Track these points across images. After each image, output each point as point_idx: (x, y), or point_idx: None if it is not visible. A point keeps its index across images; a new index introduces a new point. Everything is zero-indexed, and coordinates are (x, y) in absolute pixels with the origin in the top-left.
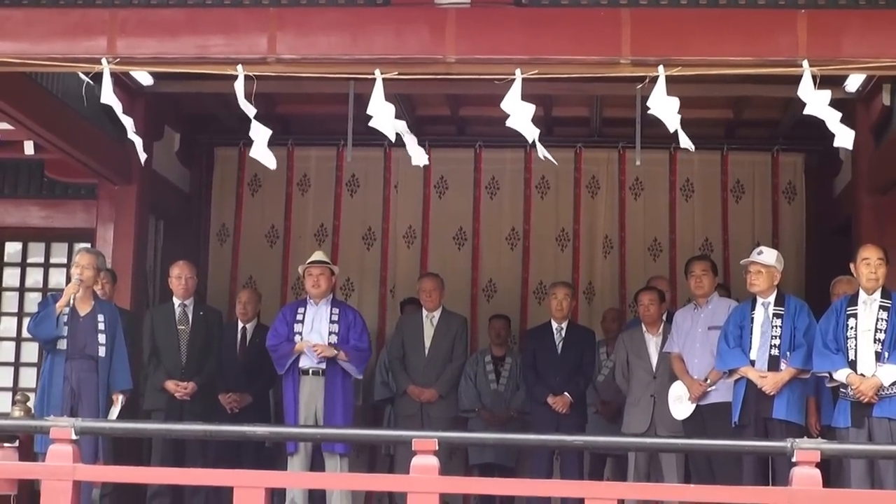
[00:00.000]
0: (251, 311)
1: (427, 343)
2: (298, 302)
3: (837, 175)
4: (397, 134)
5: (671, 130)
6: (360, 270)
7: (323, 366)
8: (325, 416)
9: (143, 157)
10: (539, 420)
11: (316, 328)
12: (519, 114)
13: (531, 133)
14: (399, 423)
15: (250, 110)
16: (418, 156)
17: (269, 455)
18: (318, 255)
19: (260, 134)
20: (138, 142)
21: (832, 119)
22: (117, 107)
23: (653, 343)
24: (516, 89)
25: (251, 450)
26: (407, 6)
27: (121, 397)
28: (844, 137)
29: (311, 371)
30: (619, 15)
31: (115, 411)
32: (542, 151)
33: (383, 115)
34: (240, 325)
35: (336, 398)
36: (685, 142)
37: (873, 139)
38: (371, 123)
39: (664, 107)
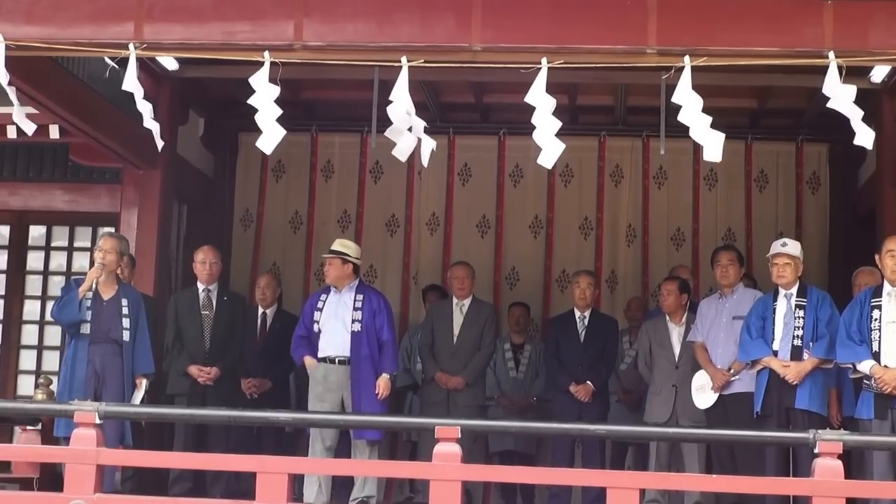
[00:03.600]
0: (270, 296)
1: (456, 331)
2: (323, 289)
3: (861, 166)
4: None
5: (696, 137)
6: (383, 257)
7: (348, 354)
8: (353, 404)
9: (160, 143)
10: (561, 408)
11: (339, 315)
12: (542, 108)
13: (553, 127)
14: (425, 409)
15: (268, 91)
16: (426, 156)
17: (290, 440)
18: (334, 245)
19: (269, 110)
20: (155, 128)
21: (855, 116)
22: (138, 93)
23: (675, 333)
24: (542, 78)
25: (272, 434)
26: None
27: (144, 381)
28: (865, 136)
29: (336, 360)
30: (646, 4)
31: (138, 395)
32: (552, 154)
33: (402, 109)
34: (260, 310)
35: (363, 387)
36: (711, 153)
37: None
38: (389, 110)
39: (688, 104)
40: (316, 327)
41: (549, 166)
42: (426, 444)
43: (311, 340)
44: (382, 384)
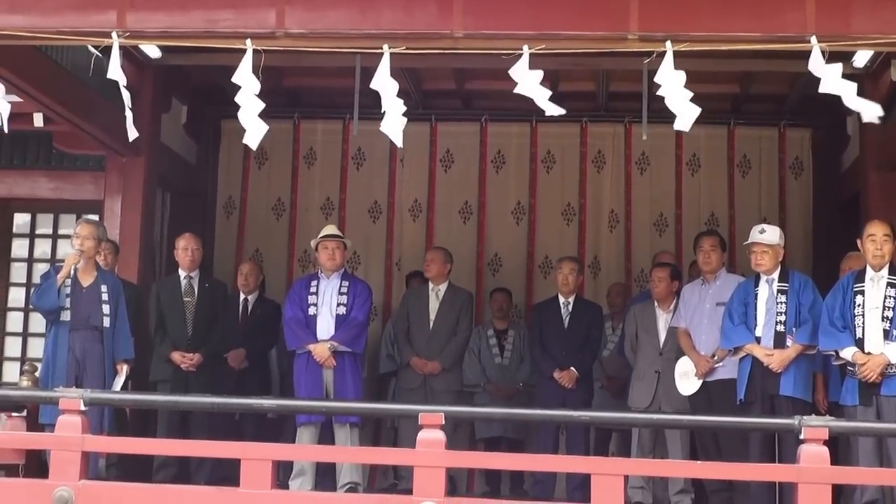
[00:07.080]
0: (252, 282)
1: (432, 316)
2: (310, 276)
3: (845, 150)
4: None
5: (672, 106)
6: (365, 244)
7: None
8: (336, 389)
9: (132, 134)
10: (545, 394)
11: (327, 301)
12: (527, 81)
13: (542, 96)
14: (402, 395)
15: (251, 86)
16: (394, 133)
17: (273, 424)
18: (331, 229)
19: (251, 105)
20: (129, 117)
21: (849, 93)
22: (122, 82)
23: (662, 319)
24: (523, 64)
25: (253, 418)
26: None
27: (125, 367)
28: (870, 111)
29: None
30: None
31: (119, 381)
32: (551, 109)
33: (388, 91)
34: (242, 296)
35: (346, 372)
36: (682, 122)
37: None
38: (383, 101)
39: (672, 85)
40: (312, 310)
41: (542, 104)
42: (407, 430)
43: (308, 325)
44: (319, 349)
